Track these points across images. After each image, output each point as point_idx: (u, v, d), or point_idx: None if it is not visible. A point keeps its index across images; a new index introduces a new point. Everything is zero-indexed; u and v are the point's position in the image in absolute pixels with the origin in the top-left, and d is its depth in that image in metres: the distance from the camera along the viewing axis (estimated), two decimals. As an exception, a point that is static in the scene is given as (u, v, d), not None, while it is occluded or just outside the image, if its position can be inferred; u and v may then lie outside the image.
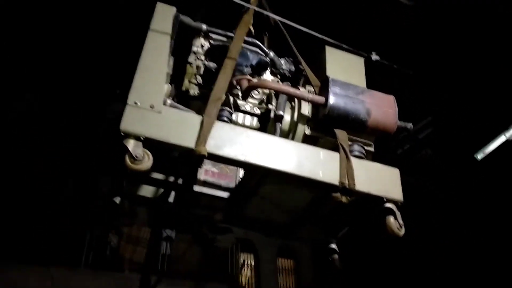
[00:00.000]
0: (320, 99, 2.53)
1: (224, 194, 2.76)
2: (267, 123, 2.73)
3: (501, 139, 3.96)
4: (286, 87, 2.62)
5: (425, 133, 8.64)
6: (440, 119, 7.73)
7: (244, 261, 11.70)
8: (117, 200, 2.59)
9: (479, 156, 4.03)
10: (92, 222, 9.13)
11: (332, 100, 2.47)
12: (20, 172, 8.44)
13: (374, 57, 3.09)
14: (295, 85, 2.92)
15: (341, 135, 2.49)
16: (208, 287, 9.88)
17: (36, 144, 8.29)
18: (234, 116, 2.67)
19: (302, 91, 2.70)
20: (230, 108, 2.56)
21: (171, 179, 2.79)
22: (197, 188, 2.69)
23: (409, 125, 2.66)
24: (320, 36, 3.07)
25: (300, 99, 2.64)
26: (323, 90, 2.60)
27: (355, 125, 2.51)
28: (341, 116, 2.49)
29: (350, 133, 2.54)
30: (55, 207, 8.81)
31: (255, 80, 2.69)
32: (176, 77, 2.69)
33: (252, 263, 11.73)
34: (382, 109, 2.54)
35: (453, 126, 7.20)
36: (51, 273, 7.97)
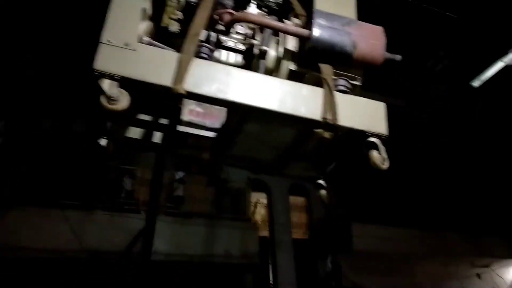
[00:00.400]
0: (304, 31, 2.42)
1: (210, 134, 2.74)
2: (252, 60, 2.65)
3: (498, 66, 3.76)
4: (268, 20, 2.50)
5: (440, 66, 8.45)
6: (451, 51, 7.51)
7: (257, 200, 11.96)
8: (102, 141, 2.60)
9: (476, 83, 3.87)
10: (104, 165, 9.33)
11: (316, 32, 2.36)
12: (33, 114, 8.57)
13: None
14: (283, 19, 2.79)
15: (326, 69, 2.40)
16: (222, 225, 10.15)
17: (45, 87, 8.32)
18: (217, 53, 2.59)
19: (286, 23, 2.58)
20: (213, 45, 2.49)
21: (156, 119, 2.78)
22: (181, 128, 2.67)
23: (398, 57, 2.54)
24: None
25: (283, 32, 2.53)
26: (309, 22, 2.49)
27: (341, 58, 2.41)
28: (326, 49, 2.37)
29: (335, 67, 2.44)
30: (69, 150, 8.97)
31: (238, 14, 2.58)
32: (157, 14, 2.59)
33: (265, 201, 11.98)
34: (368, 41, 2.42)
35: (464, 57, 6.99)
36: (67, 216, 8.24)
